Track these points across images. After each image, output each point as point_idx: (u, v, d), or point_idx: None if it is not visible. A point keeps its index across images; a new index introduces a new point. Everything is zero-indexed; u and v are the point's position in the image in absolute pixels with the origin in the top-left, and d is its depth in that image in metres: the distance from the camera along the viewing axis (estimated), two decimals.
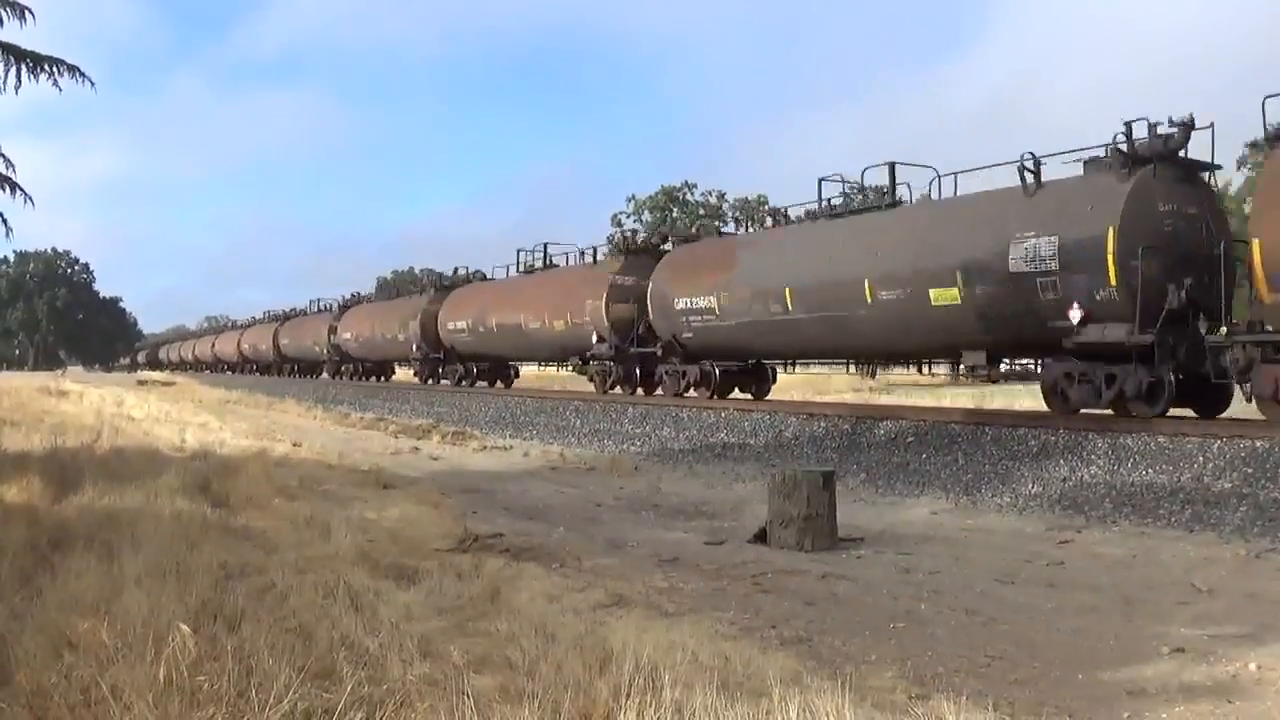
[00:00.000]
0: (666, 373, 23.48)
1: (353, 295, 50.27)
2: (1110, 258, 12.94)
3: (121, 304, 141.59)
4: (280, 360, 58.12)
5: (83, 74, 17.40)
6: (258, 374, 62.46)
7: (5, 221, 20.00)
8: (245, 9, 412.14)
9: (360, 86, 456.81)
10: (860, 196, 18.91)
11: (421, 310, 37.13)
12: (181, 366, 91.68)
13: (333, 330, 47.60)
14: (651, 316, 23.35)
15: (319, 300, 56.17)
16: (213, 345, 78.24)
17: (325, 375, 50.53)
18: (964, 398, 27.00)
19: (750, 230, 26.10)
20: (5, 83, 16.44)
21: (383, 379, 45.09)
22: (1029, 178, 14.46)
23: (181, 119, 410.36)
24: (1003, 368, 19.22)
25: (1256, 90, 12.71)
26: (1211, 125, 13.34)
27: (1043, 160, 14.51)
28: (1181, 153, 13.58)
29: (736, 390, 22.98)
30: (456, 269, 39.10)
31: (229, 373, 70.09)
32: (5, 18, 16.56)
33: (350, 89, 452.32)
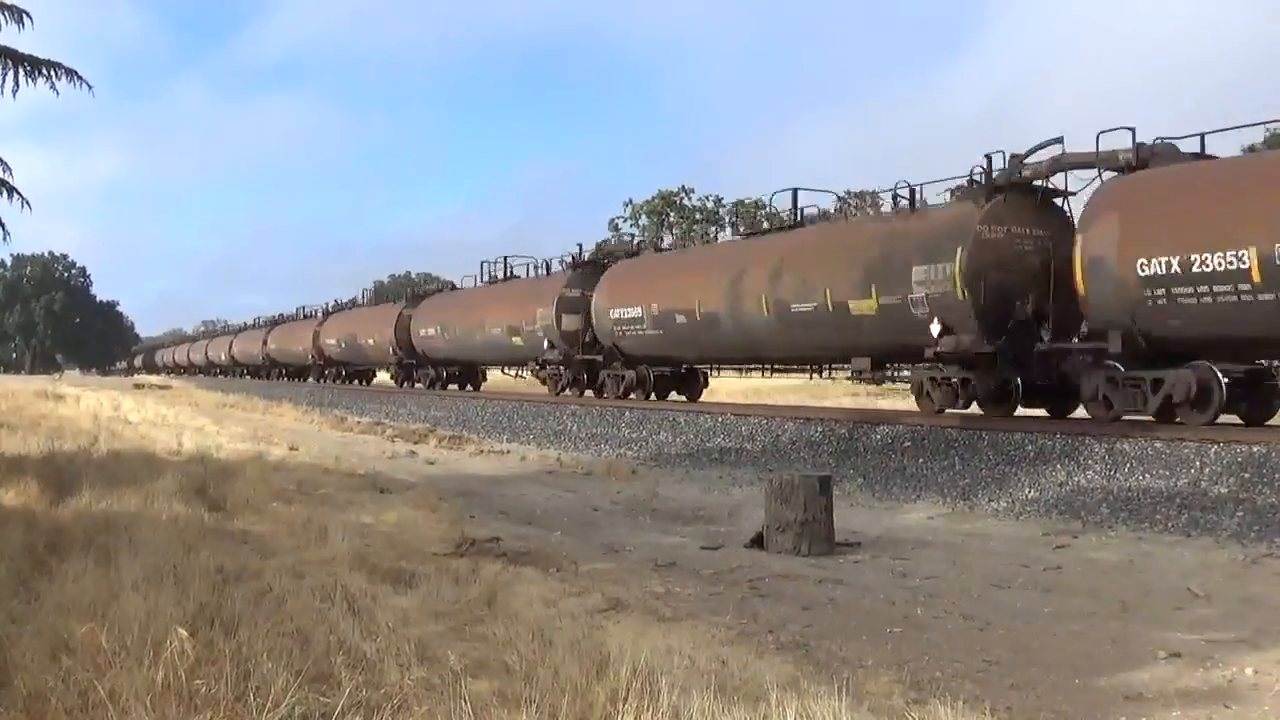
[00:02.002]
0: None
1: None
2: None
3: (118, 308, 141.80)
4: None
5: (80, 78, 17.46)
6: (219, 375, 73.99)
7: (2, 225, 20.04)
8: (247, 16, 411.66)
9: (359, 90, 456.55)
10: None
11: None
12: (178, 370, 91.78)
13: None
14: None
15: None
16: (189, 351, 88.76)
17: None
18: None
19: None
20: (3, 86, 16.47)
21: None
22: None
23: (182, 124, 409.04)
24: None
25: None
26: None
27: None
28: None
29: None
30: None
31: (199, 375, 79.34)
32: (3, 22, 16.57)
33: (349, 93, 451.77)
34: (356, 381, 47.81)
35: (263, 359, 60.69)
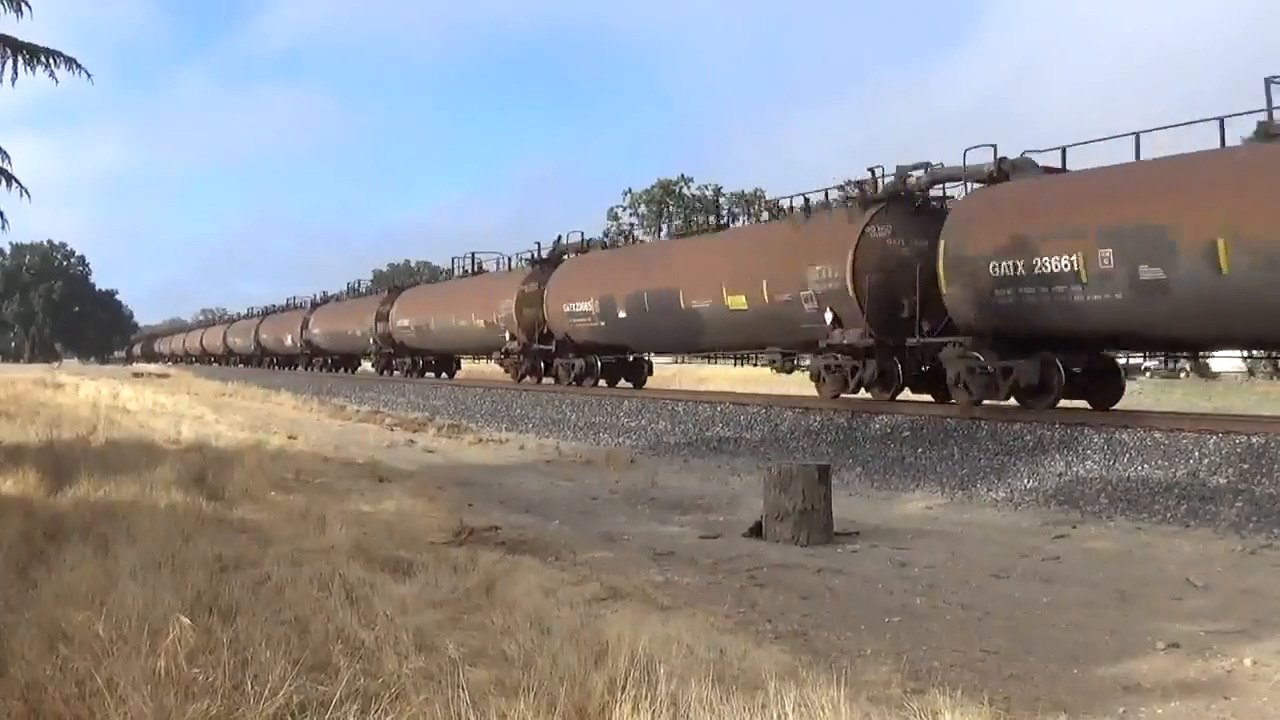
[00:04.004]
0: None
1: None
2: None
3: (117, 296, 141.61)
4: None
5: (79, 66, 17.32)
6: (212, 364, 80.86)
7: (1, 214, 19.97)
8: (250, 6, 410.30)
9: (359, 81, 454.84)
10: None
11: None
12: (176, 359, 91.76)
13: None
14: None
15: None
16: (186, 339, 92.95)
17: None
18: None
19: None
20: (1, 74, 16.39)
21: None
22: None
23: (183, 113, 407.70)
24: None
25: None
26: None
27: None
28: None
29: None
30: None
31: (198, 364, 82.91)
32: (2, 10, 16.48)
33: (350, 83, 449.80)
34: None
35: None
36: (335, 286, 56.92)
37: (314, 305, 54.26)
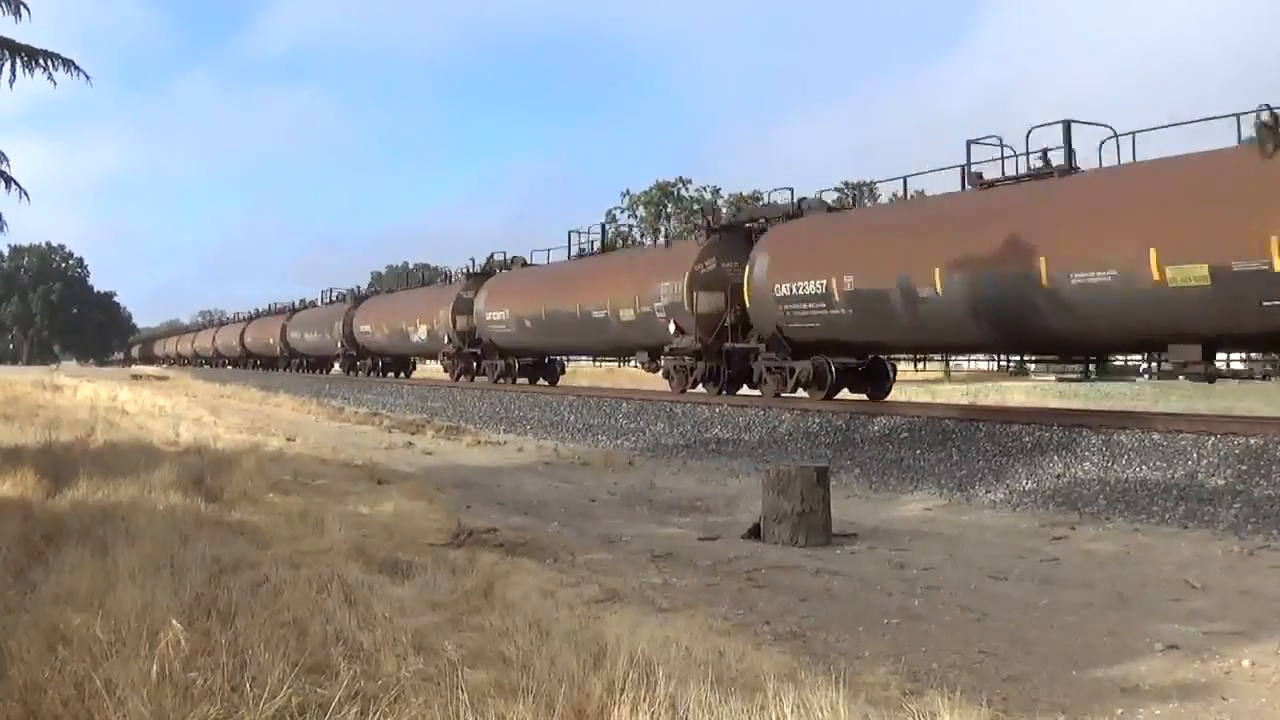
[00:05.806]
0: None
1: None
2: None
3: (115, 298, 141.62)
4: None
5: (78, 68, 17.31)
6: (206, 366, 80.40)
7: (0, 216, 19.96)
8: (252, 11, 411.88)
9: (360, 84, 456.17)
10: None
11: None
12: (175, 361, 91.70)
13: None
14: None
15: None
16: (182, 342, 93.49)
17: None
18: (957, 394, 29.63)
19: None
20: None
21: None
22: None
23: (184, 117, 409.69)
24: None
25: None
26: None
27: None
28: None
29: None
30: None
31: (199, 366, 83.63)
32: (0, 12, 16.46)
33: (350, 87, 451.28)
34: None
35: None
36: (333, 289, 54.27)
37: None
